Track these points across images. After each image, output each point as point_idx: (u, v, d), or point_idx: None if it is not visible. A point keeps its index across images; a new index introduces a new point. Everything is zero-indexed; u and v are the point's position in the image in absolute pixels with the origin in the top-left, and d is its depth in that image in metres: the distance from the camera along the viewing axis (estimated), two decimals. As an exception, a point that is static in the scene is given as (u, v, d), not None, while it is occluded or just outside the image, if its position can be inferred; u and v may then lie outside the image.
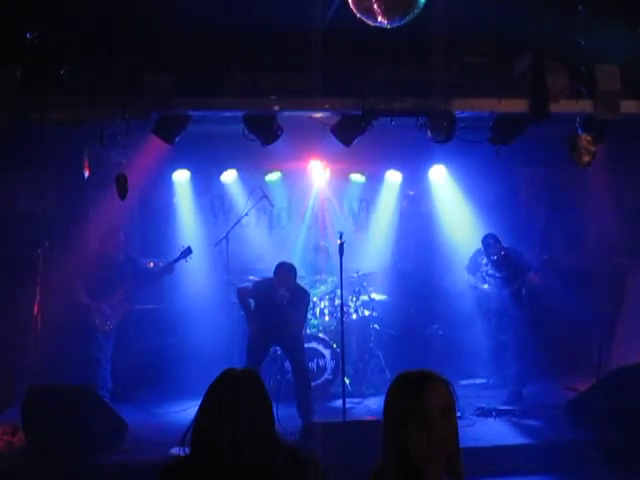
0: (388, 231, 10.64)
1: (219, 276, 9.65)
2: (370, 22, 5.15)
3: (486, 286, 8.98)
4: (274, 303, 7.99)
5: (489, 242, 8.78)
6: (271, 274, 8.91)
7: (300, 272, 9.87)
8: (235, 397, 2.75)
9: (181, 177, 10.28)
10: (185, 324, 9.61)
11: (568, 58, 7.22)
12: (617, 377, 7.46)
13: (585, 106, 7.40)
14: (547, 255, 8.81)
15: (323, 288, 9.62)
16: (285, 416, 7.89)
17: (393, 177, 10.65)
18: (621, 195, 9.39)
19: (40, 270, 8.25)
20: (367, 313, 9.45)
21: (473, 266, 9.14)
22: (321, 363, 8.80)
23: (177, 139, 7.44)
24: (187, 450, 2.76)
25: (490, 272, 8.90)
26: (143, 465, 6.43)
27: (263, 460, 2.70)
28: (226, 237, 9.28)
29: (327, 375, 8.78)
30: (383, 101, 7.22)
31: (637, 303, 9.28)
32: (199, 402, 2.84)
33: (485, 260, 8.95)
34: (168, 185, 10.30)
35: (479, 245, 9.09)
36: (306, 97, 7.21)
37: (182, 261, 8.88)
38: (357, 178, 10.69)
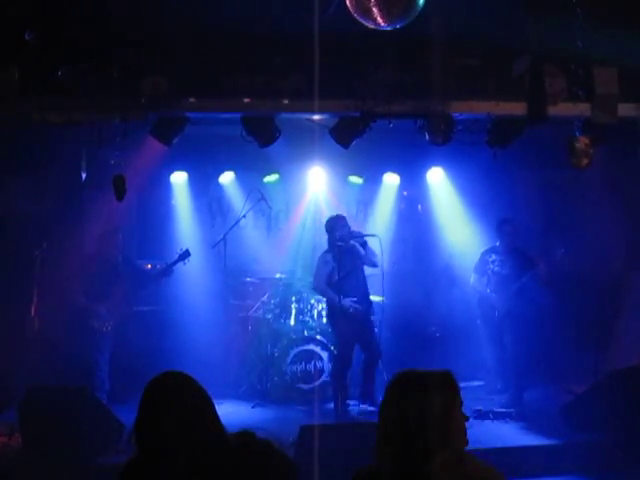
0: (386, 233, 10.60)
1: (217, 278, 9.64)
2: (368, 24, 5.15)
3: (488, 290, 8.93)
4: (348, 262, 8.30)
5: (506, 226, 8.79)
6: (268, 275, 8.95)
7: (297, 273, 9.92)
8: (162, 401, 2.82)
9: (179, 179, 10.28)
10: (183, 326, 9.59)
11: (566, 61, 7.22)
12: (613, 380, 7.46)
13: (583, 109, 7.41)
14: (562, 249, 8.80)
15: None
16: (282, 418, 7.91)
17: (391, 179, 10.66)
18: (620, 197, 9.38)
19: (38, 271, 8.23)
20: (364, 315, 9.44)
21: (480, 265, 9.06)
22: (319, 365, 8.79)
23: (175, 141, 7.44)
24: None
25: (496, 269, 8.82)
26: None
27: (200, 459, 2.75)
28: (224, 239, 9.27)
29: (325, 377, 8.76)
30: (381, 103, 7.23)
31: (635, 305, 9.28)
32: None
33: (493, 257, 8.89)
34: (166, 187, 10.30)
35: (476, 247, 9.09)
36: (304, 99, 7.22)
37: (180, 263, 8.87)
38: (355, 180, 10.69)
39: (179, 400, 2.81)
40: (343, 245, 8.24)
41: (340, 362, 8.33)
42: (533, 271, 8.65)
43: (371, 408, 8.20)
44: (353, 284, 8.43)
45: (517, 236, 8.86)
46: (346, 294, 8.28)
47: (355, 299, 8.33)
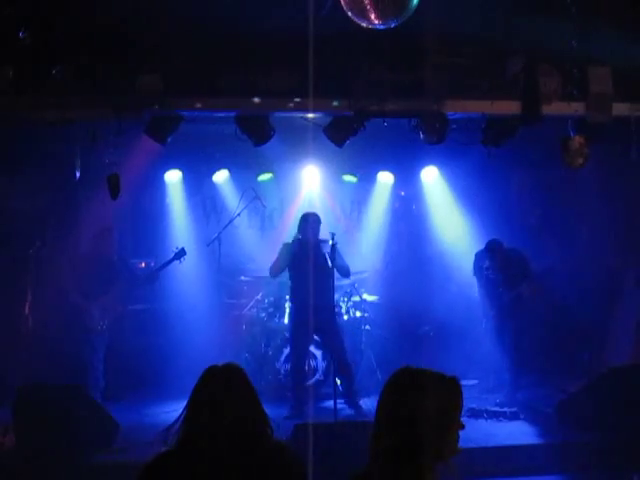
0: (380, 232, 10.64)
1: (211, 276, 9.63)
2: (363, 23, 5.16)
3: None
4: (308, 261, 8.05)
5: (491, 249, 8.69)
6: (262, 274, 8.92)
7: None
8: (218, 394, 2.78)
9: (173, 177, 10.27)
10: (177, 324, 9.59)
11: (560, 60, 7.24)
12: (607, 378, 7.48)
13: (577, 108, 7.43)
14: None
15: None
16: (276, 417, 7.89)
17: (385, 178, 10.66)
18: (613, 196, 9.41)
19: (32, 270, 8.22)
20: (358, 314, 9.43)
21: (476, 269, 9.05)
22: (312, 364, 8.78)
23: (169, 139, 7.43)
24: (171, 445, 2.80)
25: (491, 276, 8.79)
26: (135, 465, 6.37)
27: (250, 453, 2.72)
28: (218, 237, 9.27)
29: (319, 376, 8.76)
30: (375, 102, 7.23)
31: (629, 304, 9.30)
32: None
33: (487, 264, 8.84)
34: (160, 185, 10.29)
35: (471, 246, 9.09)
36: (298, 98, 7.22)
37: (175, 262, 8.86)
38: (349, 179, 10.69)
39: (235, 395, 2.81)
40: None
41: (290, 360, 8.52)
42: (521, 287, 8.67)
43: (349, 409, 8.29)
44: (296, 284, 8.43)
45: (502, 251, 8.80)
46: (292, 292, 8.48)
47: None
